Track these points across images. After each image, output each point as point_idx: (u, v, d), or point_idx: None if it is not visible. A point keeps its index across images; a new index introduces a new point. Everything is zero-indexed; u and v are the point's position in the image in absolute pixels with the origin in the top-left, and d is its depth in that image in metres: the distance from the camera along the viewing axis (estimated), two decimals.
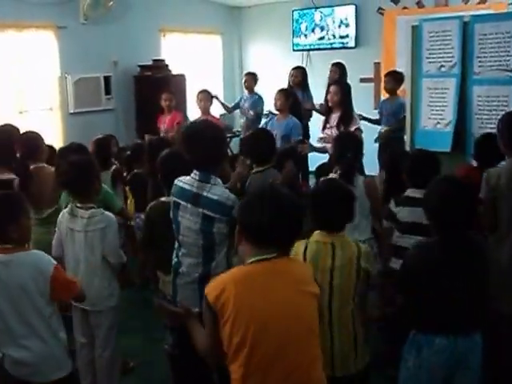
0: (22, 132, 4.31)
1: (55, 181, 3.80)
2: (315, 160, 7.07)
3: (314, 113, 7.27)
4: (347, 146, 3.79)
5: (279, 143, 5.29)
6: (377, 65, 8.53)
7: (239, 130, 8.19)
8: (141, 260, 5.01)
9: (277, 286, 1.99)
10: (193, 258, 2.90)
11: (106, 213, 3.30)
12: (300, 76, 7.24)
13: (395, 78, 6.55)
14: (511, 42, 4.38)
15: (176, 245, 3.00)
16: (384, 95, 7.76)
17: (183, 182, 2.92)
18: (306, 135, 7.00)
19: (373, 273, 2.69)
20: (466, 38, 4.62)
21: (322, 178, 3.80)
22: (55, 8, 6.83)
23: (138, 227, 4.77)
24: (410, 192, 3.53)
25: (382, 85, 7.97)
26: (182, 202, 2.89)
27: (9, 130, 3.98)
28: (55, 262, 2.71)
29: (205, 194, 2.82)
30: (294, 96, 6.20)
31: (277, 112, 5.88)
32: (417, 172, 3.52)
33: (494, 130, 4.47)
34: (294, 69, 7.35)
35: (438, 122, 4.91)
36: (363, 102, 6.58)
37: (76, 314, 3.36)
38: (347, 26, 8.88)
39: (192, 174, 2.90)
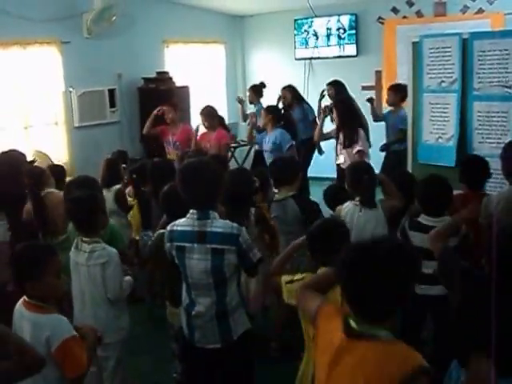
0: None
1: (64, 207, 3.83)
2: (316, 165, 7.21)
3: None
4: (362, 180, 3.76)
5: (274, 152, 5.89)
6: (378, 73, 8.60)
7: (244, 139, 8.25)
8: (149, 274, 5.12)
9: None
10: (206, 298, 2.88)
11: (107, 248, 3.28)
12: (289, 95, 7.25)
13: (396, 91, 6.57)
14: (509, 59, 4.43)
15: (184, 286, 2.98)
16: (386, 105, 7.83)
17: (181, 225, 2.92)
18: (311, 148, 7.06)
19: None
20: (465, 54, 4.67)
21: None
22: (59, 24, 6.86)
23: (145, 244, 4.84)
24: (423, 219, 3.51)
25: (384, 95, 8.07)
26: (187, 244, 2.87)
27: (16, 157, 3.99)
28: (73, 334, 2.44)
29: (209, 229, 2.83)
30: (280, 114, 6.39)
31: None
32: (430, 201, 3.50)
33: (494, 145, 4.57)
34: (281, 90, 7.35)
35: (440, 137, 4.95)
36: (365, 110, 6.65)
37: None
38: (348, 34, 8.94)
39: (188, 215, 2.91)
